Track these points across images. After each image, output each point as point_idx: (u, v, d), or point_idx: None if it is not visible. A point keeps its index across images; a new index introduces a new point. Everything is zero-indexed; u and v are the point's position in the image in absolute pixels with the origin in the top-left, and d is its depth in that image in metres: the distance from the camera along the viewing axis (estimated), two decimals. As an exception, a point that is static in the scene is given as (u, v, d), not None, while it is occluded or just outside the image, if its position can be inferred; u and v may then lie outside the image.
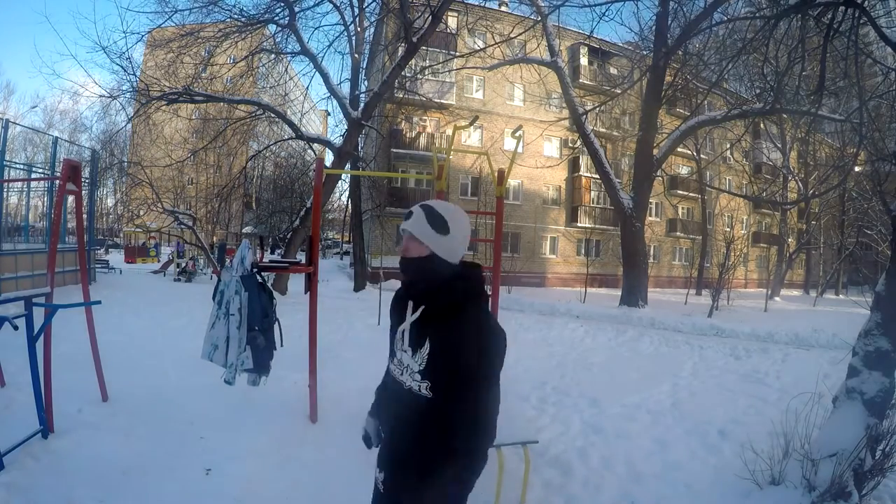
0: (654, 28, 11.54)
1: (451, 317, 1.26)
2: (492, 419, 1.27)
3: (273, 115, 12.63)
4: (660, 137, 13.96)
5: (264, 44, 12.38)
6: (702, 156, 21.62)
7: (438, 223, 1.30)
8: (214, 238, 22.72)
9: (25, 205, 12.36)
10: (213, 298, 3.24)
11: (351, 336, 6.95)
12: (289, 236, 12.07)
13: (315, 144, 15.66)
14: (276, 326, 3.36)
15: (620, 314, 10.89)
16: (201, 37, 10.62)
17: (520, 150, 6.00)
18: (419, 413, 1.28)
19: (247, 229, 23.89)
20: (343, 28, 12.11)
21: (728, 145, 20.01)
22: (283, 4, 10.31)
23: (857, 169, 15.71)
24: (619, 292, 13.46)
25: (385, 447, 1.43)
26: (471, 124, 4.42)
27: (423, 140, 19.41)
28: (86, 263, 4.18)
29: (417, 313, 1.34)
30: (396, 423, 1.40)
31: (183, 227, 14.70)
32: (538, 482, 2.90)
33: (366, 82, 15.78)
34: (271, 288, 3.44)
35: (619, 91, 13.92)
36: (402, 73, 11.33)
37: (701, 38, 10.50)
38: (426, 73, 16.25)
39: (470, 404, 1.22)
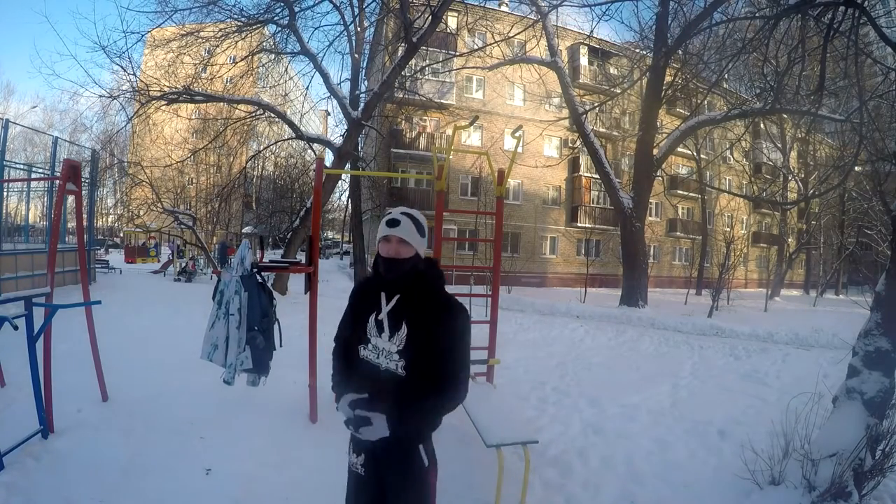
0: (654, 28, 11.54)
1: (426, 301, 1.48)
2: (466, 382, 1.47)
3: (273, 115, 12.62)
4: (660, 137, 13.95)
5: (264, 44, 12.38)
6: (702, 156, 21.60)
7: (421, 229, 1.53)
8: (214, 238, 22.73)
9: (25, 205, 12.36)
10: (213, 298, 3.25)
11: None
12: (289, 236, 12.05)
13: (315, 144, 15.64)
14: (276, 326, 3.36)
15: (620, 314, 10.88)
16: (201, 37, 10.61)
17: (520, 150, 6.00)
18: (397, 390, 1.43)
19: (247, 229, 23.88)
20: (343, 28, 12.10)
21: (728, 145, 19.98)
22: (283, 4, 10.30)
23: (857, 169, 15.69)
24: (619, 292, 13.44)
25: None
26: (471, 124, 4.41)
27: (423, 140, 19.40)
28: (86, 263, 4.18)
29: (393, 302, 1.50)
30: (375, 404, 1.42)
31: (183, 227, 14.70)
32: (538, 482, 2.90)
33: (366, 82, 15.77)
34: (271, 288, 3.44)
35: (619, 91, 13.91)
36: (402, 73, 11.32)
37: (701, 38, 10.48)
38: (426, 73, 16.21)
39: (448, 370, 1.42)
